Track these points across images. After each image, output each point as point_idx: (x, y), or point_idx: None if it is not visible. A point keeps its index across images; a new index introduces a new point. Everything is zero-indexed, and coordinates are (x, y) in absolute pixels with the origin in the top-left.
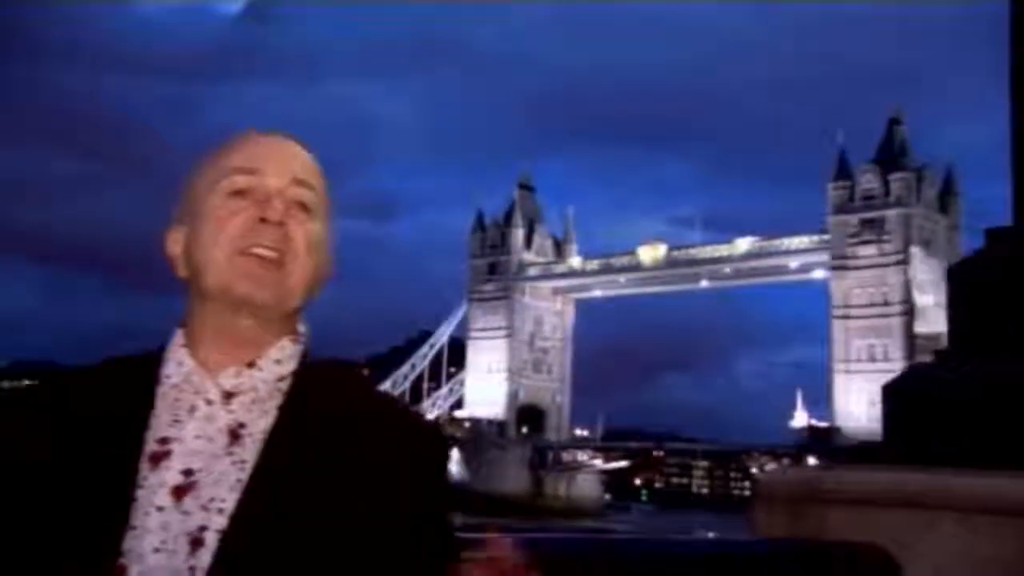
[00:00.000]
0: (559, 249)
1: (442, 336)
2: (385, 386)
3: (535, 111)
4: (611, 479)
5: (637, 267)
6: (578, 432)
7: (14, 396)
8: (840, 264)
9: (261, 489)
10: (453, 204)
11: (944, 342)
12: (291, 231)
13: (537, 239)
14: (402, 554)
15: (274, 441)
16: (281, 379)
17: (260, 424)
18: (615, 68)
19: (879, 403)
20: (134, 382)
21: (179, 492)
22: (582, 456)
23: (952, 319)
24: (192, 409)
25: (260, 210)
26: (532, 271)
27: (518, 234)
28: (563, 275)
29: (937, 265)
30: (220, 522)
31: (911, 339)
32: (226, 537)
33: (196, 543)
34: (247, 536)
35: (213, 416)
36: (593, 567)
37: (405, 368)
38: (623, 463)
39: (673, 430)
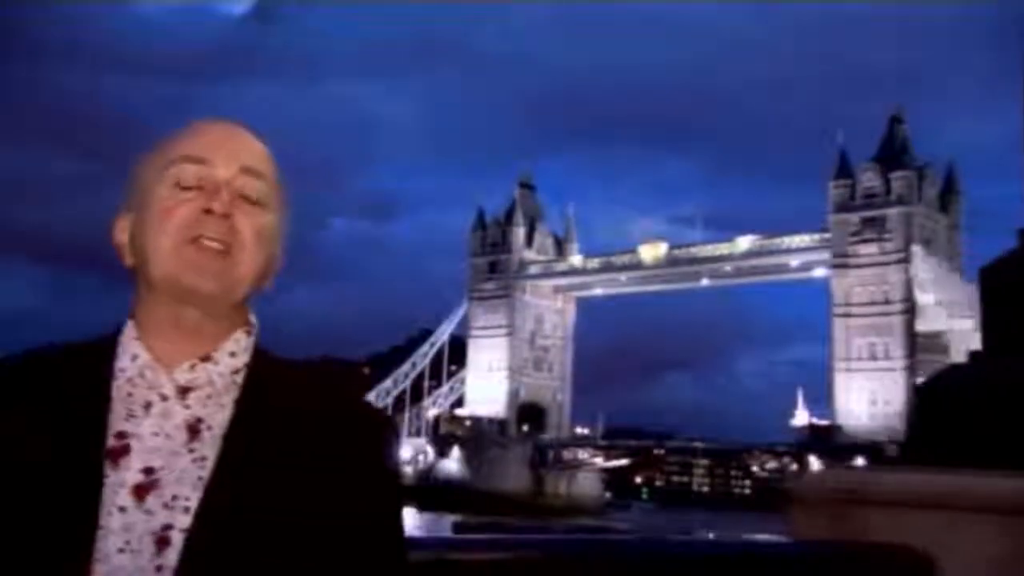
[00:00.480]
0: (560, 247)
1: (443, 335)
2: (386, 384)
3: (535, 111)
4: (612, 477)
5: (638, 265)
6: (579, 430)
7: None
8: (841, 262)
9: (224, 486)
10: (453, 204)
11: (944, 341)
12: (238, 222)
13: (538, 237)
14: (358, 548)
15: (233, 436)
16: (236, 372)
17: (218, 419)
18: (615, 68)
19: (880, 401)
20: (88, 373)
21: (140, 491)
22: (583, 454)
23: (985, 319)
24: (147, 405)
25: (207, 201)
26: (533, 269)
27: (519, 232)
28: (564, 273)
29: (938, 264)
30: (185, 521)
31: (912, 338)
32: (192, 535)
33: (162, 542)
34: (214, 533)
35: (169, 412)
36: (628, 570)
37: (406, 367)
38: (624, 461)
39: (673, 429)
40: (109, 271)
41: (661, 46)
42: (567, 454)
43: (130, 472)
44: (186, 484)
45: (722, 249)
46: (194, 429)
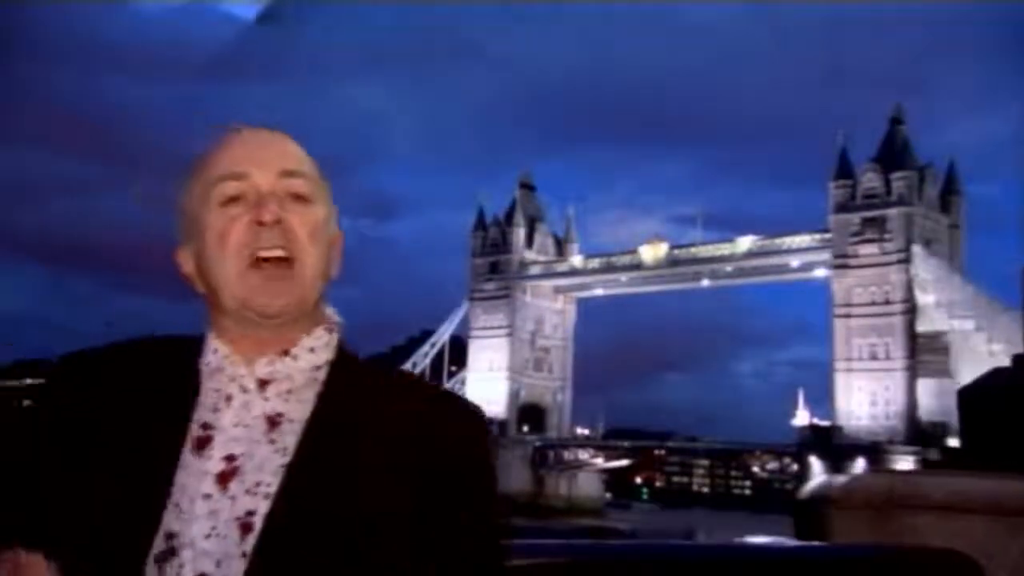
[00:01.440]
0: (560, 248)
1: (443, 335)
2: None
3: (535, 111)
4: (612, 478)
5: (638, 266)
6: (579, 431)
7: (60, 368)
8: (841, 263)
9: (304, 473)
10: (453, 204)
11: (945, 341)
12: (291, 225)
13: (538, 238)
14: (443, 542)
15: (314, 429)
16: (317, 368)
17: (298, 412)
18: (615, 68)
19: (880, 402)
20: (177, 365)
21: (223, 478)
22: (583, 455)
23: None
24: (229, 397)
25: (255, 214)
26: (533, 270)
27: (519, 233)
28: (564, 274)
29: (938, 264)
30: (267, 506)
31: (913, 338)
32: (271, 520)
33: (245, 528)
34: (292, 519)
35: (249, 404)
36: (665, 571)
37: (406, 367)
38: (624, 462)
39: (673, 429)
40: (108, 272)
41: (661, 46)
42: (567, 455)
43: (212, 461)
44: (267, 471)
45: (722, 249)
46: (273, 421)
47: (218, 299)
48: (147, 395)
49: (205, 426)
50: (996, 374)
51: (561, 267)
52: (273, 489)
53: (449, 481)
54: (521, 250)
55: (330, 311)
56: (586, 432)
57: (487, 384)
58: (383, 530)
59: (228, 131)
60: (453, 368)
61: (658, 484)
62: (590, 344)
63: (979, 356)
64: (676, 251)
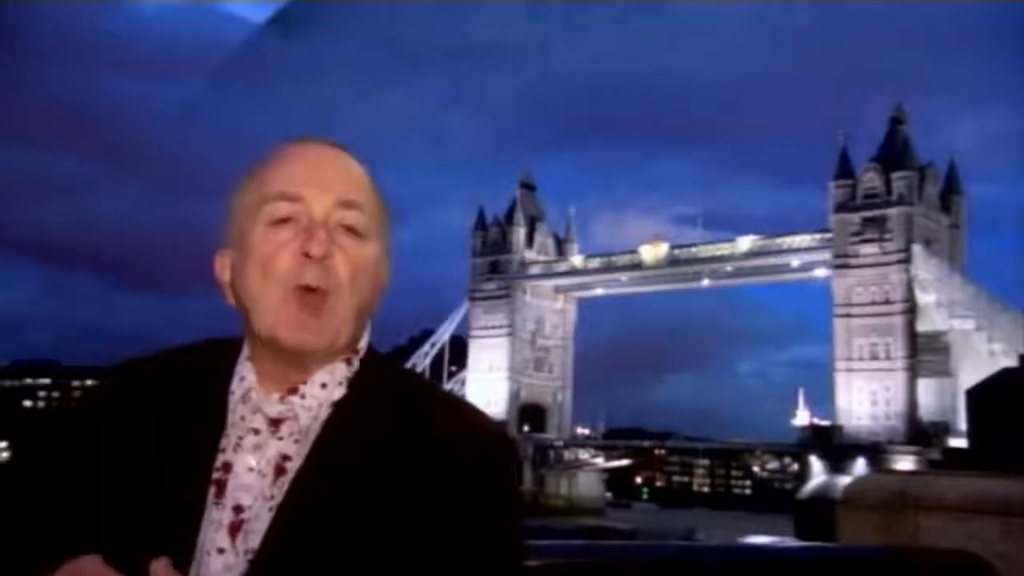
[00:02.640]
0: (560, 248)
1: (443, 335)
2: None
3: (535, 111)
4: (612, 477)
5: (639, 266)
6: (579, 431)
7: (107, 379)
8: (842, 263)
9: (279, 537)
10: (454, 204)
11: (945, 341)
12: (336, 264)
13: (538, 238)
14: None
15: (300, 484)
16: (323, 405)
17: (299, 457)
18: (615, 67)
19: (881, 402)
20: (212, 389)
21: (233, 531)
22: (583, 455)
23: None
24: (247, 434)
25: (304, 244)
26: (534, 270)
27: (519, 233)
28: (564, 274)
29: (939, 264)
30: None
31: (913, 338)
32: None
33: None
34: None
35: (263, 446)
36: (677, 572)
37: (406, 367)
38: (624, 462)
39: (674, 429)
40: (109, 272)
41: (661, 46)
42: (568, 454)
43: (225, 511)
44: (259, 532)
45: (723, 249)
46: (280, 469)
47: (249, 322)
48: (179, 422)
49: (226, 467)
50: (1004, 374)
51: (561, 267)
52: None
53: (468, 527)
54: (521, 250)
55: (362, 341)
56: (586, 432)
57: (487, 384)
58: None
59: (293, 142)
60: (453, 368)
61: (658, 484)
62: (590, 344)
63: (979, 356)
64: (676, 251)
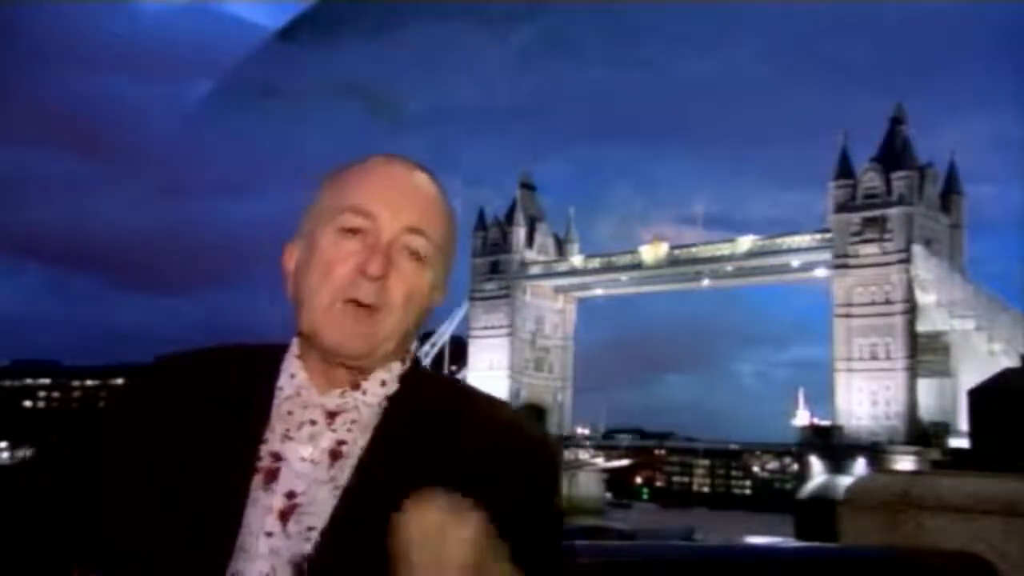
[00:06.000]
0: (561, 248)
1: (443, 335)
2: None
3: (535, 111)
4: (612, 477)
5: (639, 266)
6: (579, 431)
7: (139, 375)
8: (842, 263)
9: (348, 517)
10: (453, 204)
11: (946, 341)
12: (391, 284)
13: (539, 238)
14: None
15: (365, 465)
16: (386, 399)
17: (358, 446)
18: (615, 67)
19: (881, 402)
20: (254, 385)
21: (283, 515)
22: (583, 455)
23: None
24: (299, 427)
25: (364, 262)
26: (534, 270)
27: (520, 232)
28: (565, 274)
29: (939, 264)
30: (310, 549)
31: (913, 338)
32: (314, 564)
33: (298, 571)
34: (335, 564)
35: (318, 437)
36: (682, 572)
37: None
38: (624, 461)
39: (674, 429)
40: (109, 272)
41: (661, 45)
42: (568, 454)
43: (276, 496)
44: (320, 515)
45: (723, 249)
46: (336, 454)
47: (299, 317)
48: (221, 414)
49: (275, 456)
50: (1007, 374)
51: (561, 267)
52: (315, 533)
53: (515, 519)
54: (521, 250)
55: (411, 347)
56: (586, 432)
57: (487, 384)
58: None
59: (381, 157)
60: (453, 368)
61: (658, 484)
62: (590, 344)
63: (979, 356)
64: (676, 251)
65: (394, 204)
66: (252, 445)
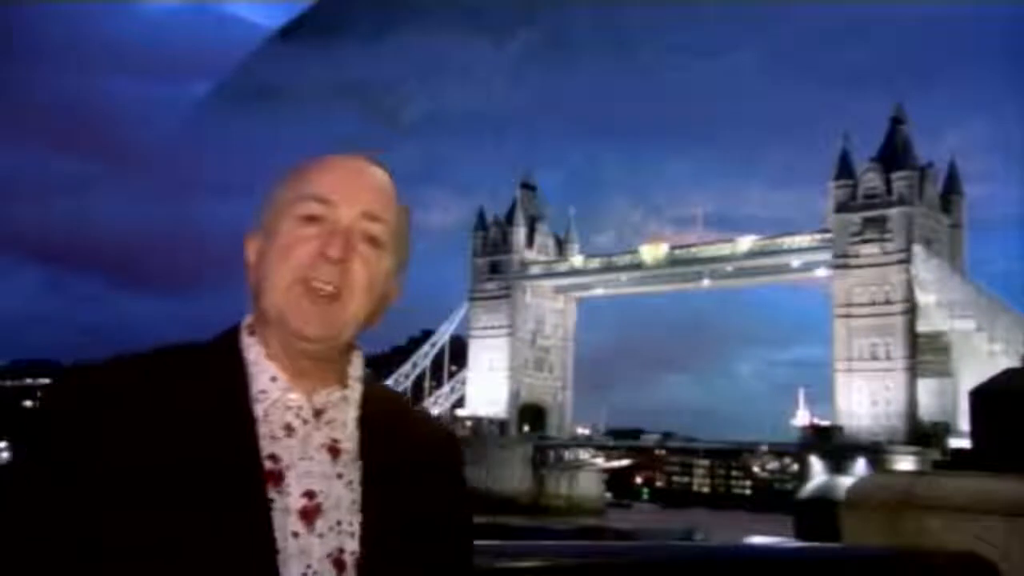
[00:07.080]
0: (561, 248)
1: (444, 335)
2: (387, 384)
3: (536, 111)
4: (612, 478)
5: (639, 266)
6: (579, 431)
7: (98, 372)
8: (842, 263)
9: (374, 508)
10: (454, 204)
11: (946, 341)
12: (351, 267)
13: (539, 238)
14: (459, 553)
15: (368, 458)
16: (360, 397)
17: (349, 441)
18: (614, 67)
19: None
20: (225, 388)
21: (307, 516)
22: (583, 455)
23: None
24: (288, 427)
25: (324, 244)
26: (534, 270)
27: (520, 233)
28: (565, 274)
29: (939, 264)
30: (352, 544)
31: (913, 338)
32: (363, 559)
33: (338, 564)
34: (380, 555)
35: (309, 435)
36: (686, 573)
37: (407, 367)
38: (624, 462)
39: (674, 429)
40: (109, 271)
41: (660, 45)
42: (568, 454)
43: (292, 497)
44: (343, 509)
45: (723, 249)
46: (334, 451)
47: (260, 301)
48: (206, 420)
49: (274, 458)
50: (1008, 374)
51: (561, 267)
52: (355, 528)
53: (455, 500)
54: (521, 250)
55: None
56: (586, 432)
57: (487, 384)
58: (448, 550)
59: (337, 156)
60: (453, 368)
61: (658, 484)
62: (590, 344)
63: (979, 356)
64: (676, 251)
65: (351, 192)
66: (252, 449)
